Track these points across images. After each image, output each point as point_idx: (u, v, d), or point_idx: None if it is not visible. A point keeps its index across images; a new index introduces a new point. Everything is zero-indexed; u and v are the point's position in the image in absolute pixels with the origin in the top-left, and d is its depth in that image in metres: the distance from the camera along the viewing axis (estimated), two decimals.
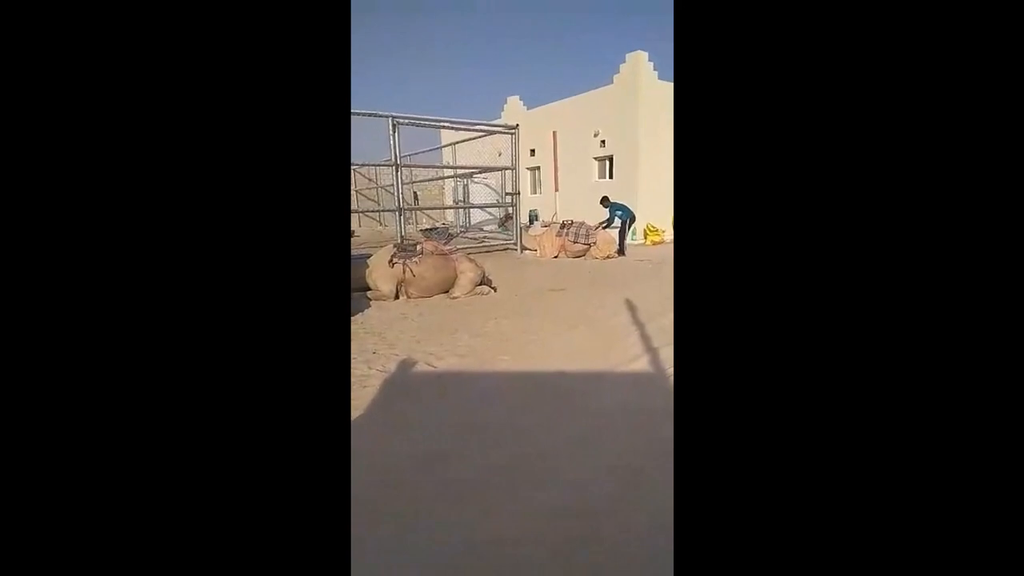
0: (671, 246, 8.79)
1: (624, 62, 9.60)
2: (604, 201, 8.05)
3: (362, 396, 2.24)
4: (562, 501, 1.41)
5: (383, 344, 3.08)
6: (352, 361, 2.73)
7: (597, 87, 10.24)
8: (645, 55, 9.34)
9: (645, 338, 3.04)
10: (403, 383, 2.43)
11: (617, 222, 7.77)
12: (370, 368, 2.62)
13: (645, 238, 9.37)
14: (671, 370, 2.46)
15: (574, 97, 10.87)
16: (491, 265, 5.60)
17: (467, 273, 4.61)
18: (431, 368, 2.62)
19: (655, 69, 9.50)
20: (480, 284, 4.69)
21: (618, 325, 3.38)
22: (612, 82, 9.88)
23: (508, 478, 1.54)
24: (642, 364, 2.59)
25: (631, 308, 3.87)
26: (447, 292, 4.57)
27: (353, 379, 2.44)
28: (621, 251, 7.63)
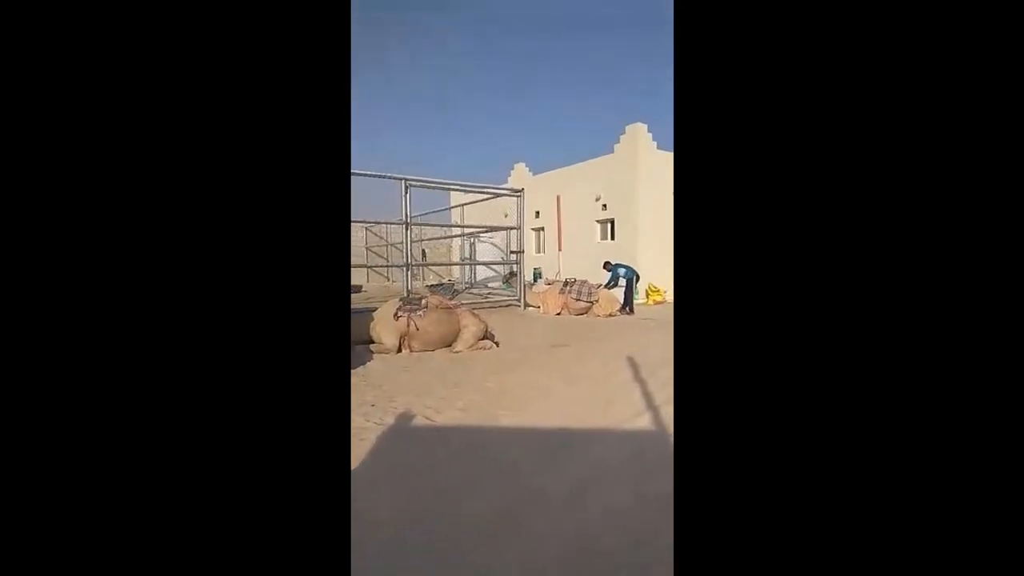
0: (671, 306, 8.84)
1: (624, 133, 10.22)
2: (606, 266, 8.23)
3: (358, 448, 2.20)
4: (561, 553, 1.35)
5: (383, 397, 3.06)
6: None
7: (599, 155, 10.83)
8: (644, 126, 9.97)
9: (647, 395, 3.00)
10: (399, 437, 2.40)
11: (622, 281, 7.88)
12: (367, 420, 2.59)
13: (647, 298, 9.45)
14: (671, 428, 2.41)
15: (577, 164, 11.47)
16: (494, 320, 5.64)
17: (470, 327, 4.65)
18: (430, 422, 2.59)
19: (654, 140, 10.10)
20: (483, 339, 4.71)
21: (620, 382, 3.35)
22: (613, 151, 10.46)
23: (500, 529, 1.48)
24: (644, 421, 2.54)
25: (633, 365, 3.84)
26: (450, 346, 4.58)
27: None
28: (629, 309, 7.67)
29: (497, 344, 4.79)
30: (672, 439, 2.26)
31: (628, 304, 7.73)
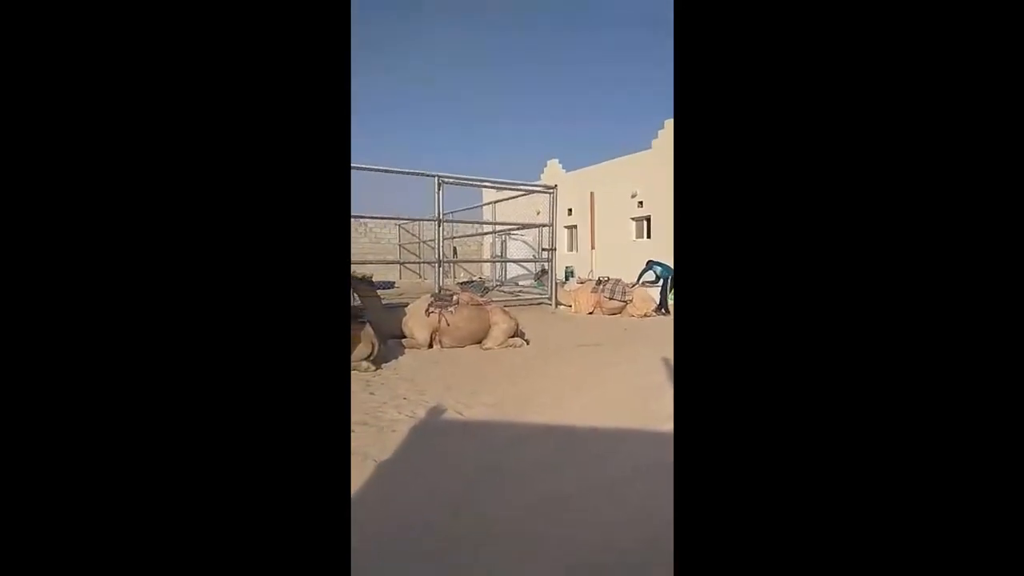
0: None
1: (662, 128, 9.95)
2: (649, 264, 8.05)
3: (390, 439, 2.24)
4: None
5: (414, 390, 3.10)
6: (382, 406, 2.75)
7: (635, 151, 10.59)
8: None
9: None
10: (430, 430, 2.42)
11: (651, 276, 7.69)
12: (399, 413, 2.63)
13: None
14: None
15: (612, 161, 11.27)
16: (525, 319, 5.62)
17: (500, 325, 4.65)
18: (460, 416, 2.60)
19: None
20: (513, 336, 4.70)
21: (653, 383, 3.26)
22: (651, 147, 10.21)
23: (526, 529, 1.46)
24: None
25: (668, 366, 3.73)
26: (480, 343, 4.60)
27: (382, 423, 2.46)
28: (665, 310, 7.48)
29: (527, 342, 4.77)
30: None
31: (663, 304, 7.52)
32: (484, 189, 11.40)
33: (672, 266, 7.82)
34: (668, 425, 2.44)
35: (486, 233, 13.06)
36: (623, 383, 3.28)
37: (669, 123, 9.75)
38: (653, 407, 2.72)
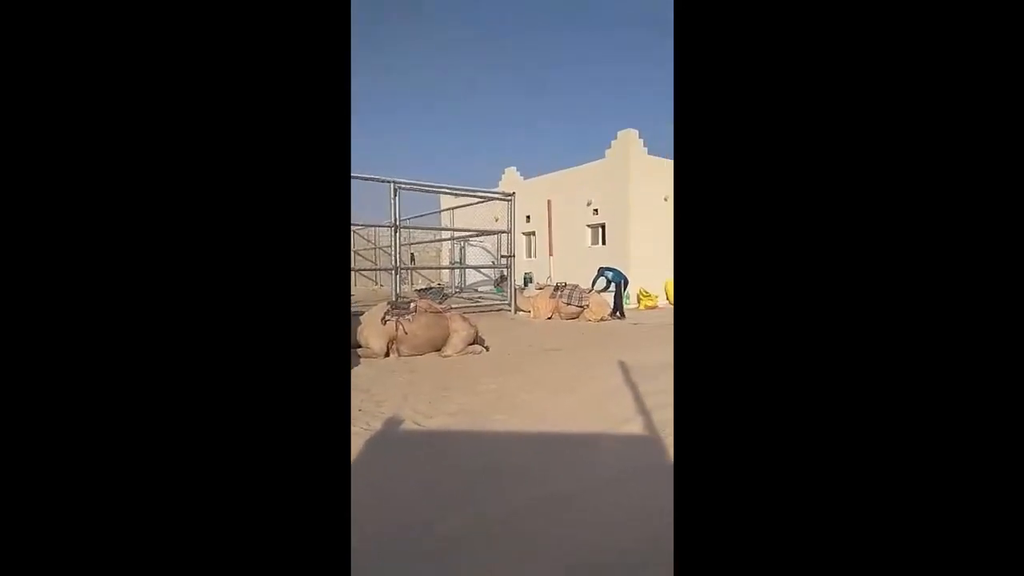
0: (663, 311, 8.86)
1: (615, 138, 10.28)
2: (600, 271, 8.23)
3: None
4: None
5: (370, 401, 2.98)
6: None
7: (590, 160, 10.87)
8: (635, 132, 10.03)
9: (639, 399, 2.97)
10: (388, 442, 2.32)
11: (603, 283, 7.88)
12: (354, 426, 2.51)
13: (638, 303, 9.47)
14: (664, 432, 2.38)
15: (568, 169, 11.50)
16: (484, 325, 5.58)
17: (460, 332, 4.58)
18: (419, 427, 2.52)
19: (644, 145, 10.16)
20: (472, 343, 4.65)
21: (612, 386, 3.31)
22: (604, 156, 10.51)
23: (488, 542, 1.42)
24: (637, 426, 2.51)
25: (624, 369, 3.81)
26: (439, 350, 4.50)
27: None
28: (620, 313, 7.66)
29: (487, 348, 4.73)
30: (666, 441, 2.23)
31: (618, 308, 7.72)
32: (442, 195, 11.29)
33: (622, 272, 8.05)
34: (627, 427, 2.48)
35: (444, 239, 12.92)
36: (582, 387, 3.31)
37: (622, 134, 10.09)
38: (613, 410, 2.76)
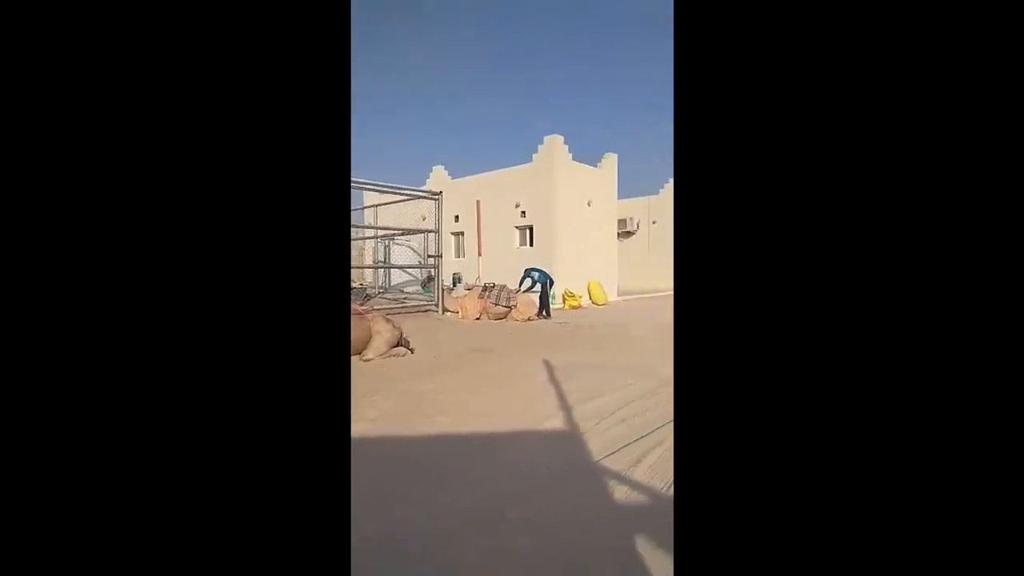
0: (588, 310, 9.25)
1: (542, 143, 10.54)
2: (526, 272, 8.37)
3: None
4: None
5: None
6: None
7: (517, 164, 11.04)
8: (561, 138, 10.36)
9: (562, 396, 3.06)
10: None
11: (528, 283, 8.05)
12: None
13: (564, 303, 9.79)
14: (587, 425, 2.47)
15: (497, 171, 11.59)
16: (411, 326, 5.43)
17: (383, 334, 4.41)
18: None
19: (569, 151, 10.53)
20: (396, 345, 4.49)
21: (537, 384, 3.38)
22: (531, 160, 10.73)
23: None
24: (558, 422, 2.58)
25: (548, 368, 3.91)
26: (359, 354, 4.30)
27: None
28: (546, 313, 7.84)
29: (412, 350, 4.60)
30: (586, 436, 2.31)
31: (544, 308, 7.91)
32: (365, 192, 10.82)
33: (548, 272, 8.28)
34: (553, 423, 2.54)
35: (368, 238, 12.39)
36: (509, 386, 3.33)
37: (548, 139, 10.38)
38: (539, 409, 2.82)
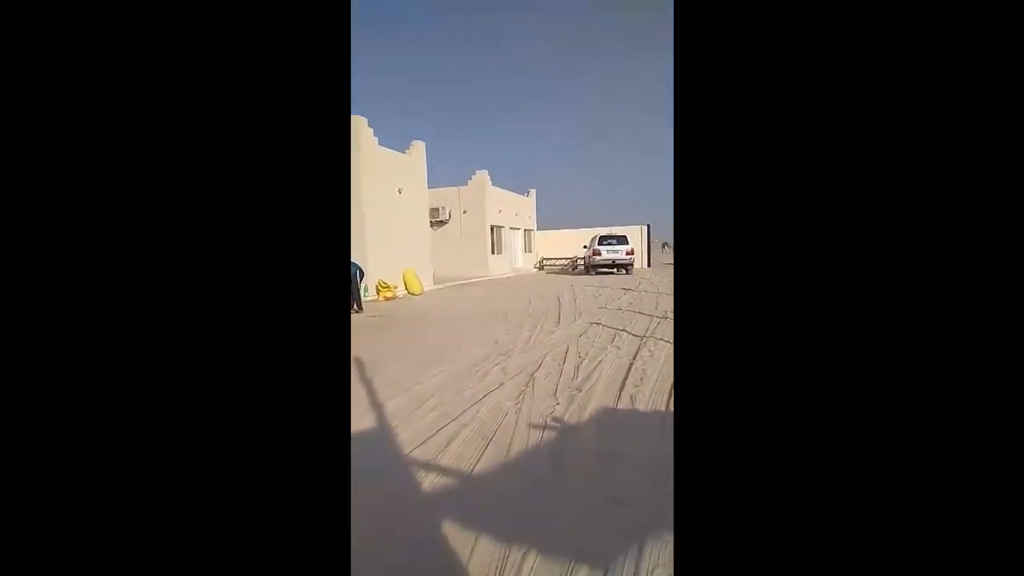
0: (403, 301, 9.15)
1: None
2: None
3: None
4: None
5: None
6: None
7: None
8: (364, 120, 9.81)
9: (372, 392, 2.99)
10: None
11: None
12: None
13: (378, 294, 9.45)
14: (397, 423, 2.49)
15: None
16: None
17: None
18: None
19: (375, 135, 10.07)
20: None
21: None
22: None
23: None
24: (370, 420, 2.52)
25: (360, 365, 3.76)
26: None
27: None
28: (358, 306, 7.43)
29: None
30: (393, 433, 2.32)
31: (356, 302, 7.51)
32: None
33: (358, 263, 7.89)
34: (363, 423, 2.46)
35: None
36: None
37: (352, 119, 9.72)
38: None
